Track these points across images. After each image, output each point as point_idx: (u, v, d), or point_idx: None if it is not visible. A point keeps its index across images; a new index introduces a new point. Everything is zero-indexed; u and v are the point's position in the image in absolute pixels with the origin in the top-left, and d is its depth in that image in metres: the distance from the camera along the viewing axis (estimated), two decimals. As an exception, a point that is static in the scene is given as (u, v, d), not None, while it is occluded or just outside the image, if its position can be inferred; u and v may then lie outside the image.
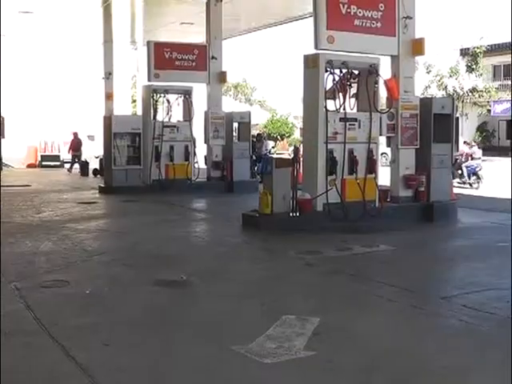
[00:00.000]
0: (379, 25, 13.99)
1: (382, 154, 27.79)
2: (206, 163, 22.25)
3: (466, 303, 7.67)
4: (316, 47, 13.22)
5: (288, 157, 15.75)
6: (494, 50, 51.15)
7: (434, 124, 14.63)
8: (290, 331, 6.45)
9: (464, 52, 51.89)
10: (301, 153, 14.24)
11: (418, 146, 14.67)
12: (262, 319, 6.86)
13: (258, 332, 6.34)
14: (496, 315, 7.26)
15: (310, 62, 13.37)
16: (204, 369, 5.58)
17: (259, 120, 58.11)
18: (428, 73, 50.18)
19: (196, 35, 25.55)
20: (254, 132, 31.68)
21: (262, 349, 5.93)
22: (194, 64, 21.89)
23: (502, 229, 13.86)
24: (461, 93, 50.57)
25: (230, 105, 44.87)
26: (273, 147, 37.67)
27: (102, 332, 6.47)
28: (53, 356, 5.79)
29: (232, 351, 5.88)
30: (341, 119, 13.33)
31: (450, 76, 50.66)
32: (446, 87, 50.37)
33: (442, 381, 5.42)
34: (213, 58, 21.85)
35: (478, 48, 50.18)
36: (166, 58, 21.56)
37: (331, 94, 13.56)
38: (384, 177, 14.80)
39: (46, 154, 41.54)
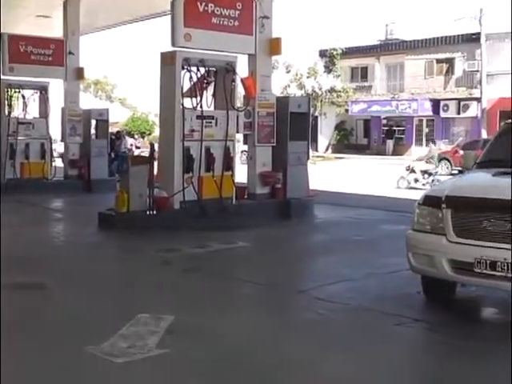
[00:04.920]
0: (236, 23, 14.10)
1: (242, 151, 28.19)
2: (63, 161, 21.73)
3: (321, 295, 7.89)
4: (173, 45, 13.20)
5: (145, 155, 15.71)
6: (351, 52, 52.57)
7: (291, 122, 14.85)
8: (143, 330, 6.39)
9: (322, 53, 53.06)
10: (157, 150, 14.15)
11: (274, 144, 14.87)
12: (117, 318, 6.74)
13: (112, 332, 6.24)
14: (349, 305, 7.55)
15: (167, 60, 13.32)
16: (55, 371, 5.45)
17: (120, 118, 57.39)
18: (288, 72, 50.97)
19: (54, 30, 24.87)
20: (114, 130, 31.23)
21: (114, 348, 5.85)
22: (50, 59, 21.30)
23: (357, 223, 14.31)
24: (319, 93, 51.65)
25: (90, 102, 44.06)
26: (131, 145, 37.32)
27: None
28: None
29: (84, 352, 5.76)
30: (198, 117, 13.33)
31: (309, 76, 51.66)
32: (304, 87, 51.32)
33: (298, 373, 5.51)
34: (70, 53, 21.36)
35: (334, 50, 51.42)
36: (21, 51, 20.84)
37: (192, 93, 13.57)
38: (243, 174, 14.97)
39: None
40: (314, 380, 5.39)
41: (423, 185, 23.69)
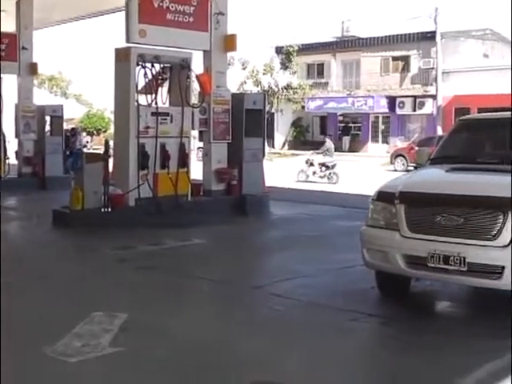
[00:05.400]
0: (192, 20, 14.07)
1: (198, 148, 28.16)
2: (17, 159, 21.41)
3: (277, 292, 7.93)
4: (128, 41, 13.11)
5: (100, 152, 15.59)
6: (308, 49, 52.67)
7: (246, 119, 14.85)
8: (97, 328, 6.35)
9: (278, 50, 53.06)
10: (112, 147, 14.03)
11: (230, 141, 14.84)
12: (72, 317, 6.67)
13: (66, 331, 6.18)
14: (305, 301, 7.60)
15: (122, 56, 13.21)
16: (8, 372, 5.33)
17: (75, 114, 56.79)
18: (244, 69, 50.88)
19: (6, 24, 24.47)
20: (69, 126, 30.92)
21: (67, 348, 5.80)
22: (3, 54, 20.86)
23: (313, 220, 14.37)
24: (276, 89, 51.67)
25: (45, 98, 43.52)
26: (87, 142, 37.04)
27: None
28: None
29: (38, 352, 5.69)
30: (153, 113, 13.25)
31: (265, 73, 51.64)
32: (260, 83, 51.28)
33: (255, 368, 5.52)
34: (23, 48, 21.02)
35: (291, 47, 51.44)
36: (-27, 46, 20.47)
37: (147, 89, 13.49)
38: (200, 171, 14.94)
39: None
40: (269, 376, 5.38)
41: (321, 177, 24.77)
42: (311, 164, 25.49)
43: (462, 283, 7.16)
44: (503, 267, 6.33)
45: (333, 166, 25.08)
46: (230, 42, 14.85)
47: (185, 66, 13.73)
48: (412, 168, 25.94)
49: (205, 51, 14.63)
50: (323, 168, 25.14)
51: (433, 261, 6.61)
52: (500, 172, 7.33)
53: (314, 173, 25.26)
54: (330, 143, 26.66)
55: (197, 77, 14.13)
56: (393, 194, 7.09)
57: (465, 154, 8.55)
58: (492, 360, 5.60)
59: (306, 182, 24.42)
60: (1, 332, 6.01)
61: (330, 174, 24.77)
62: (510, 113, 9.35)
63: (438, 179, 7.76)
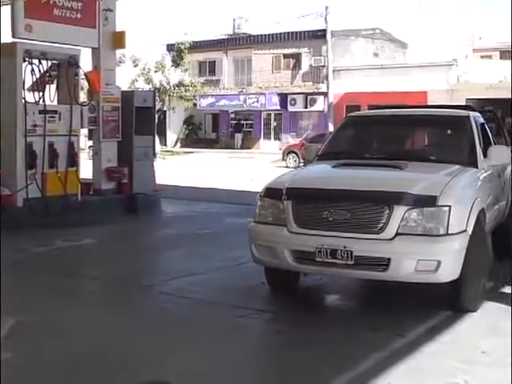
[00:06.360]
0: (79, 16, 13.86)
1: (89, 147, 27.81)
2: None
3: (167, 290, 7.93)
4: (14, 36, 12.80)
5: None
6: (199, 46, 52.66)
7: (136, 117, 14.75)
8: (-17, 334, 6.16)
9: (170, 47, 52.86)
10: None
11: (120, 139, 14.68)
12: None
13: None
14: (194, 299, 7.62)
15: (7, 51, 12.81)
16: None
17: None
18: (135, 66, 50.49)
19: None
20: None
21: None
22: None
23: (204, 217, 14.42)
24: (168, 87, 51.49)
25: None
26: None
27: None
28: None
29: None
30: (40, 111, 12.94)
31: (157, 70, 51.35)
32: (152, 81, 50.96)
33: (142, 368, 5.46)
34: None
35: (182, 44, 51.33)
36: None
37: (36, 86, 13.19)
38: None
39: None
40: (157, 376, 5.35)
41: None
42: None
43: (350, 276, 7.32)
44: (389, 259, 6.50)
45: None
46: (118, 39, 14.69)
47: (73, 63, 13.45)
48: (302, 164, 26.45)
49: (93, 48, 14.43)
50: None
51: (320, 255, 6.71)
52: (386, 167, 7.54)
53: None
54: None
55: (85, 74, 13.95)
56: (280, 191, 7.16)
57: (352, 150, 8.76)
58: (376, 352, 5.75)
59: None
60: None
61: None
62: (397, 110, 9.68)
63: (324, 175, 7.90)
